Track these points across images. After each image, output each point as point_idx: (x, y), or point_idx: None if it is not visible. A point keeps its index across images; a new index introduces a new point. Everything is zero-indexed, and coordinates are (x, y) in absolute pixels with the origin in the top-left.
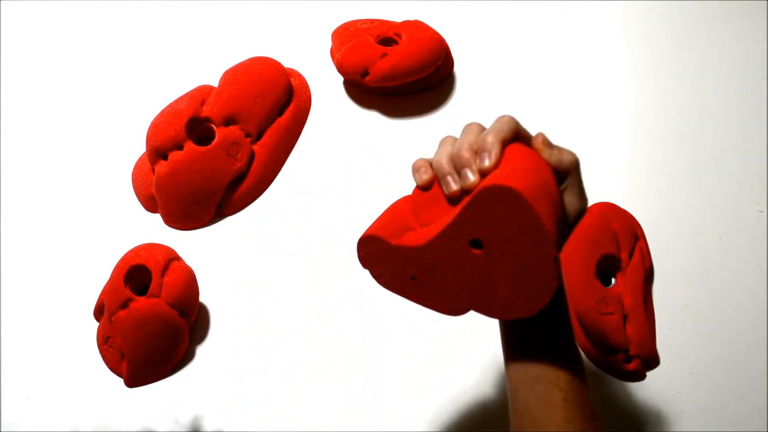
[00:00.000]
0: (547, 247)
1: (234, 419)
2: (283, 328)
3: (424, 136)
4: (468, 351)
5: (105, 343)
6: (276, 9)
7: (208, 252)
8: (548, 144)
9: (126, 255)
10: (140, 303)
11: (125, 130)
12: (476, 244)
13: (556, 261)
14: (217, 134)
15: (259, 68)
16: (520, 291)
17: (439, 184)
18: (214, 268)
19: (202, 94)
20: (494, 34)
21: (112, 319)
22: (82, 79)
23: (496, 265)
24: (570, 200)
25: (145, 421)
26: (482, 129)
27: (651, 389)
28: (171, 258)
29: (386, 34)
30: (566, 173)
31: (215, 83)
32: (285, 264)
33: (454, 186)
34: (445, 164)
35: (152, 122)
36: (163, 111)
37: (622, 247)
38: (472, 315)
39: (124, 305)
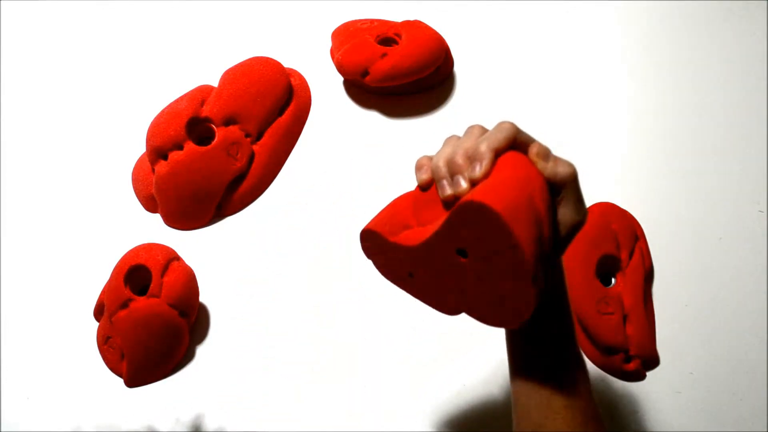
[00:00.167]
0: (524, 266)
1: (234, 419)
2: (283, 328)
3: (424, 136)
4: (468, 351)
5: (105, 343)
6: (276, 9)
7: (208, 252)
8: (543, 155)
9: (126, 255)
10: (140, 303)
11: (125, 130)
12: (462, 252)
13: (535, 279)
14: (217, 134)
15: (259, 68)
16: (502, 303)
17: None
18: (214, 268)
19: (202, 94)
20: (494, 34)
21: (112, 319)
22: (82, 79)
23: (479, 275)
24: (565, 213)
25: (145, 421)
26: (483, 132)
27: (651, 389)
28: (171, 258)
29: (386, 34)
30: (562, 186)
31: (215, 83)
32: (285, 264)
33: (448, 190)
34: (441, 167)
35: (152, 122)
36: (163, 111)
37: (622, 247)
38: None
39: (124, 305)
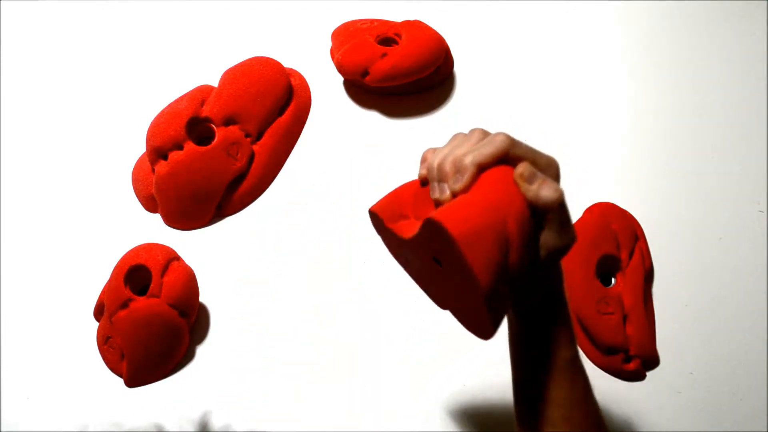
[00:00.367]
0: (477, 291)
1: (234, 419)
2: (283, 328)
3: (424, 136)
4: (468, 351)
5: (105, 343)
6: (276, 9)
7: (208, 252)
8: (528, 177)
9: (126, 255)
10: (140, 303)
11: (125, 130)
12: (437, 260)
13: (491, 304)
14: (217, 134)
15: (259, 68)
16: (471, 316)
17: None
18: (214, 268)
19: (202, 94)
20: (494, 34)
21: (112, 319)
22: (82, 79)
23: (452, 284)
24: (547, 238)
25: (145, 421)
26: (483, 137)
27: (651, 389)
28: (171, 258)
29: (386, 34)
30: (544, 210)
31: (215, 83)
32: (285, 264)
33: (436, 194)
34: (434, 169)
35: (152, 122)
36: (163, 111)
37: (622, 247)
38: None
39: (124, 305)
